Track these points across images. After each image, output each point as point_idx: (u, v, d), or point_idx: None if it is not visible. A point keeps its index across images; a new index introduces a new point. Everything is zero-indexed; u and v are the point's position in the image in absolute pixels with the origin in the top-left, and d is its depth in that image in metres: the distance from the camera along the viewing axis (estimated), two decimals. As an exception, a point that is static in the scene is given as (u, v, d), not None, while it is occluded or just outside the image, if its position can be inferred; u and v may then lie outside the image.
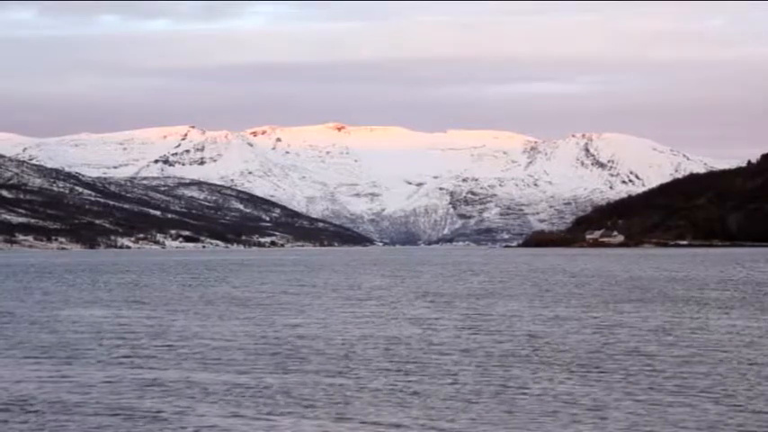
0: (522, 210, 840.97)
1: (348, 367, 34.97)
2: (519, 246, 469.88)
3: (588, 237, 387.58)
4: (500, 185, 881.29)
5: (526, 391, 29.83)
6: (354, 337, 44.75)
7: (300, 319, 55.05)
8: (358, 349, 40.17)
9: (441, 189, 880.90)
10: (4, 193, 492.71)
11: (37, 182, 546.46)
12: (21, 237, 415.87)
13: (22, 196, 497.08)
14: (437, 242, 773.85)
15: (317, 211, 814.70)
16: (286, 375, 33.10)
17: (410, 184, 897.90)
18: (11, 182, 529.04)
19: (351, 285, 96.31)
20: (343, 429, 24.80)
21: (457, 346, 41.29)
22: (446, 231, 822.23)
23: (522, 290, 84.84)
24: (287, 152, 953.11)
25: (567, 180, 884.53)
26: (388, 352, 39.26)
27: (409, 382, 31.62)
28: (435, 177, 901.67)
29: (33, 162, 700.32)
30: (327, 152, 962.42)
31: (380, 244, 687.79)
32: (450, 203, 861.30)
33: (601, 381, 31.55)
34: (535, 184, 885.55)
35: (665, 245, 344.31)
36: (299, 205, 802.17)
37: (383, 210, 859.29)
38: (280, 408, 27.47)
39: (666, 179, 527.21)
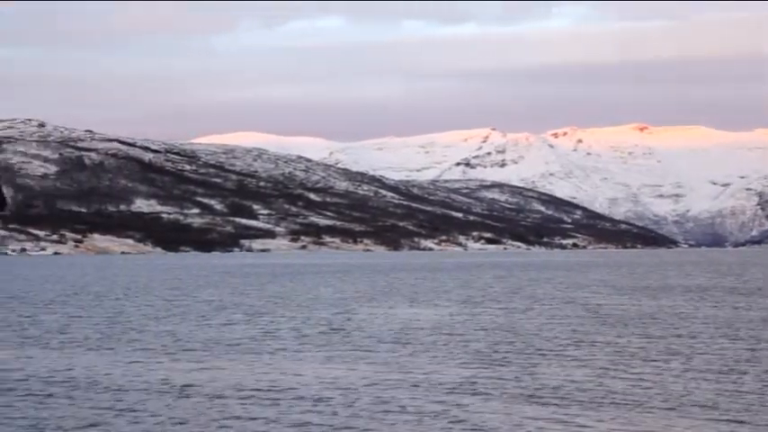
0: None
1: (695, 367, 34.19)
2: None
3: None
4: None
5: None
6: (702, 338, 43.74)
7: (642, 318, 54.32)
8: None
9: (748, 189, 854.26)
10: (312, 196, 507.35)
11: (343, 185, 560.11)
12: (327, 238, 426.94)
13: (328, 199, 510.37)
14: (743, 244, 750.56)
15: (619, 212, 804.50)
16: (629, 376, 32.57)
17: (715, 184, 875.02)
18: (318, 185, 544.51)
19: (690, 286, 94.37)
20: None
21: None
22: (754, 233, 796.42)
23: None
24: (588, 153, 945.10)
25: None
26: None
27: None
28: (742, 177, 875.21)
29: (339, 166, 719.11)
30: (630, 153, 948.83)
31: (685, 246, 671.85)
32: (758, 204, 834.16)
33: None
34: None
35: None
36: (600, 207, 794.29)
37: (687, 211, 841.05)
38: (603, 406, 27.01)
39: None
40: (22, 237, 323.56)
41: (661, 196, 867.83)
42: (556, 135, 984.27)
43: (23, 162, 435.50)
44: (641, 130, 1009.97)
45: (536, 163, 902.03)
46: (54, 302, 73.71)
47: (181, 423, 25.40)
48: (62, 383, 31.64)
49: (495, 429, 24.30)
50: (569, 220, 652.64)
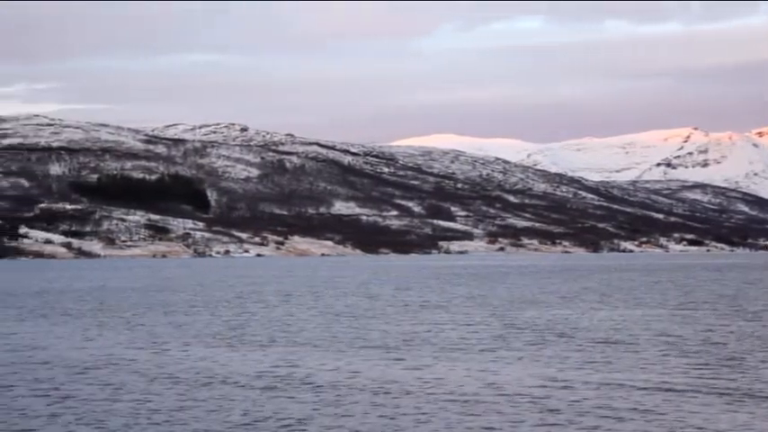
0: None
1: None
2: None
3: None
4: None
5: None
6: None
7: None
8: None
9: None
10: (510, 197, 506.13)
11: (541, 186, 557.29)
12: (526, 240, 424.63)
13: (526, 201, 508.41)
14: None
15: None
16: None
17: None
18: (516, 187, 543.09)
19: None
20: None
21: None
22: None
23: None
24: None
25: None
26: None
27: None
28: None
29: (537, 167, 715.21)
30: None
31: None
32: None
33: None
34: None
35: None
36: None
37: None
38: None
39: None
40: (226, 239, 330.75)
41: None
42: (760, 134, 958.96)
43: (227, 166, 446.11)
44: None
45: (740, 162, 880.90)
46: (275, 303, 74.75)
47: (384, 417, 25.28)
48: (269, 379, 31.86)
49: (704, 429, 23.49)
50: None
